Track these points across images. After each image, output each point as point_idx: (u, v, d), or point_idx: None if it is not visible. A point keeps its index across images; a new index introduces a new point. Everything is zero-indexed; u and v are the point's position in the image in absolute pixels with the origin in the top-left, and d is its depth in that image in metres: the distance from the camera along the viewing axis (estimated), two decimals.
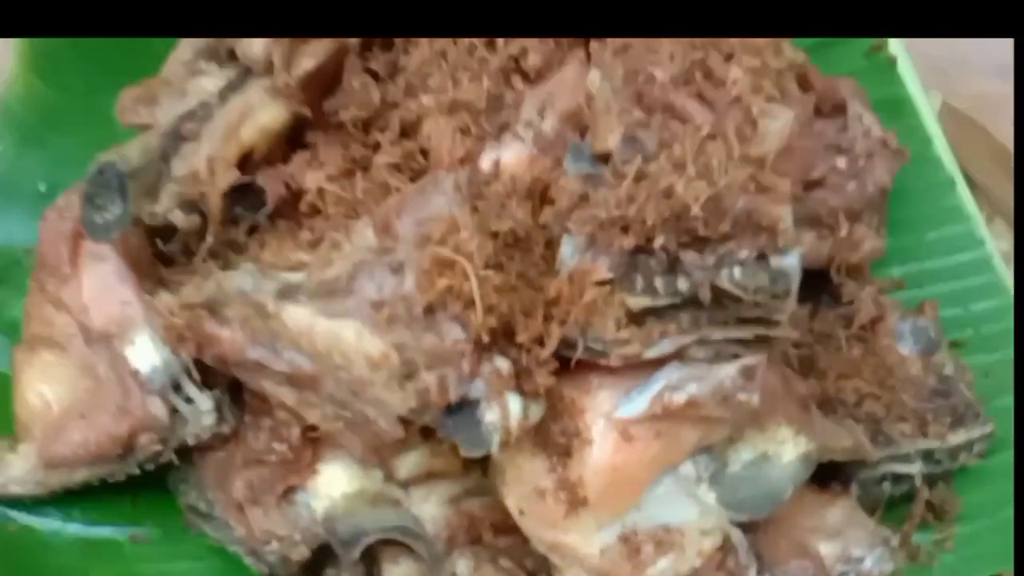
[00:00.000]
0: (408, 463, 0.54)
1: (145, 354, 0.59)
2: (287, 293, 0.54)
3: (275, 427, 0.58)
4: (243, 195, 0.62)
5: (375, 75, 0.63)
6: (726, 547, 0.53)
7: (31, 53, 0.72)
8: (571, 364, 0.53)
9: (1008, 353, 0.68)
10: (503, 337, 0.52)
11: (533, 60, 0.61)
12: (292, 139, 0.64)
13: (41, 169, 0.73)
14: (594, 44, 0.59)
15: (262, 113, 0.61)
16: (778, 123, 0.51)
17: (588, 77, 0.58)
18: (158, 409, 0.58)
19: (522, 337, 0.52)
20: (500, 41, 0.61)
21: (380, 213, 0.54)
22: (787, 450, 0.55)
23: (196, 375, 0.58)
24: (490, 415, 0.50)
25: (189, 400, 0.58)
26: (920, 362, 0.63)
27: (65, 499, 0.62)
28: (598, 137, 0.55)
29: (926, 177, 0.78)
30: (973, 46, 0.80)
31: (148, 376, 0.58)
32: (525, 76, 0.61)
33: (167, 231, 0.65)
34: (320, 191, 0.62)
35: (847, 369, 0.61)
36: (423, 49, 0.62)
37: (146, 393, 0.58)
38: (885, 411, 0.60)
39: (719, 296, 0.51)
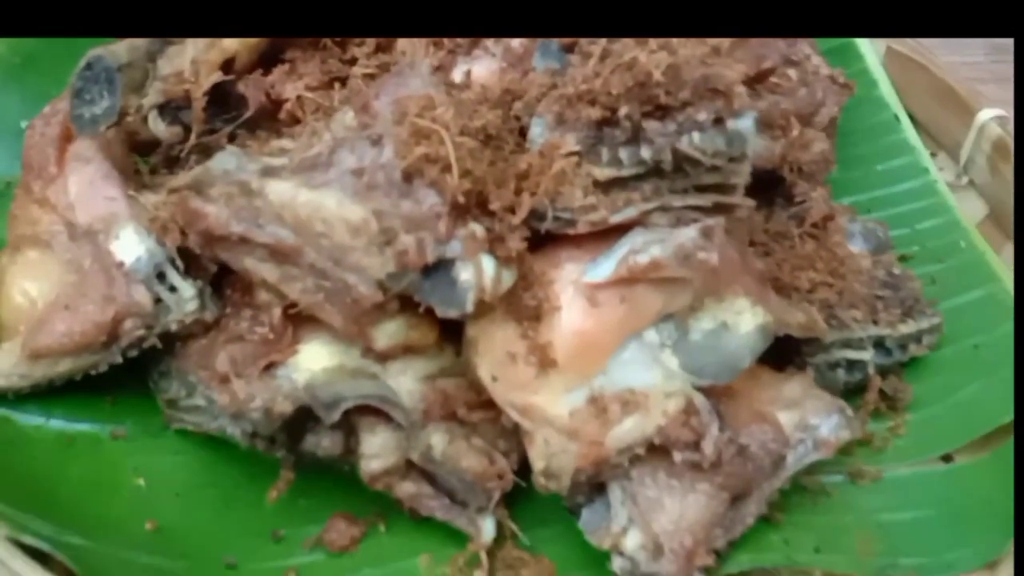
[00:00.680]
0: (386, 332, 0.56)
1: (130, 246, 0.61)
2: (270, 172, 0.56)
3: (256, 314, 0.60)
4: (225, 102, 0.65)
5: None
6: (689, 409, 0.55)
7: None
8: (542, 239, 0.57)
9: (952, 262, 0.72)
10: (477, 207, 0.54)
11: None
12: (272, 55, 0.67)
13: (22, 107, 0.75)
14: None
15: None
16: None
17: None
18: (142, 296, 0.60)
19: (495, 206, 0.54)
20: None
21: (359, 96, 0.57)
22: (745, 320, 0.58)
23: (180, 264, 0.60)
24: (465, 273, 0.53)
25: (173, 289, 0.60)
26: (870, 259, 0.67)
27: (47, 397, 0.63)
28: None
29: (873, 117, 0.83)
30: None
31: (133, 266, 0.60)
32: None
33: (149, 145, 0.68)
34: (299, 99, 0.64)
35: (801, 262, 0.65)
36: None
37: (131, 282, 0.60)
38: (837, 297, 0.64)
39: (680, 162, 0.54)
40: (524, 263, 0.56)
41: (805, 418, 0.59)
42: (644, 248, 0.55)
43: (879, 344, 0.65)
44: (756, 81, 0.62)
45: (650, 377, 0.56)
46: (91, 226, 0.62)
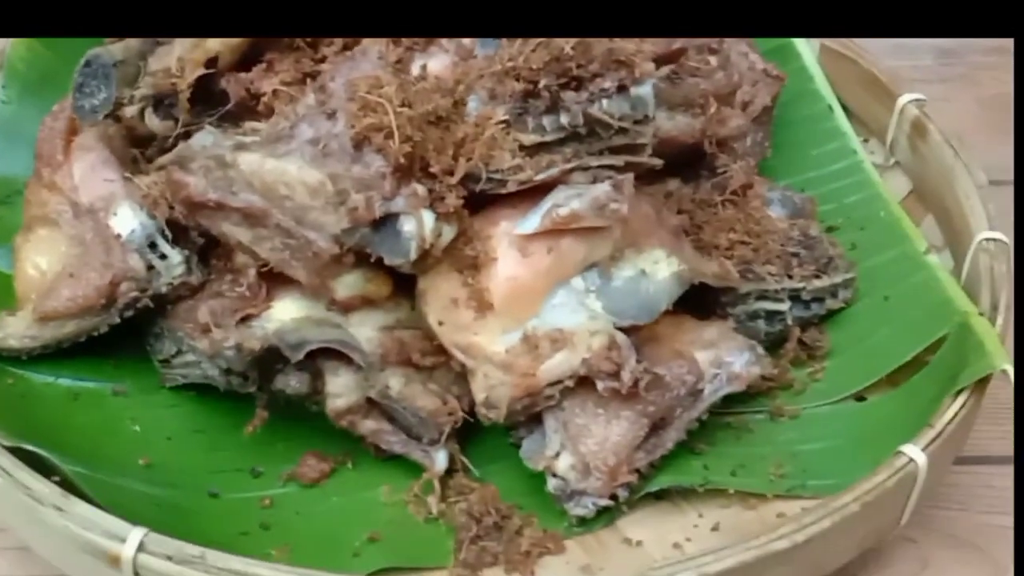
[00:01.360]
0: (345, 283, 0.64)
1: (125, 221, 0.69)
2: (242, 146, 0.65)
3: (235, 276, 0.68)
4: (209, 97, 0.74)
5: None
6: (611, 345, 0.63)
7: None
8: (481, 201, 0.65)
9: (872, 229, 0.79)
10: (420, 170, 0.63)
11: None
12: (251, 55, 0.76)
13: (38, 114, 0.82)
14: None
15: None
16: None
17: None
18: (137, 263, 0.68)
19: (435, 169, 0.62)
20: None
21: (319, 79, 0.66)
22: (661, 268, 0.65)
23: (169, 235, 0.69)
24: (408, 226, 0.61)
25: (163, 256, 0.69)
26: (787, 222, 0.74)
27: (56, 359, 0.71)
28: None
29: (809, 108, 0.91)
30: None
31: (128, 238, 0.69)
32: None
33: (146, 139, 0.77)
34: (275, 93, 0.73)
35: (722, 225, 0.72)
36: None
37: (126, 251, 0.68)
38: (754, 254, 0.71)
39: (593, 126, 0.62)
40: (463, 221, 0.64)
41: (720, 356, 0.66)
42: (565, 202, 0.62)
43: (795, 297, 0.72)
44: (667, 60, 0.70)
45: (577, 319, 0.64)
46: (92, 205, 0.70)
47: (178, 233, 0.70)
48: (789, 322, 0.72)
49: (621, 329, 0.64)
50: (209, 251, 0.71)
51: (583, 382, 0.63)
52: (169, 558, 0.53)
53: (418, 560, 0.61)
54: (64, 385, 0.71)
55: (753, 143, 0.83)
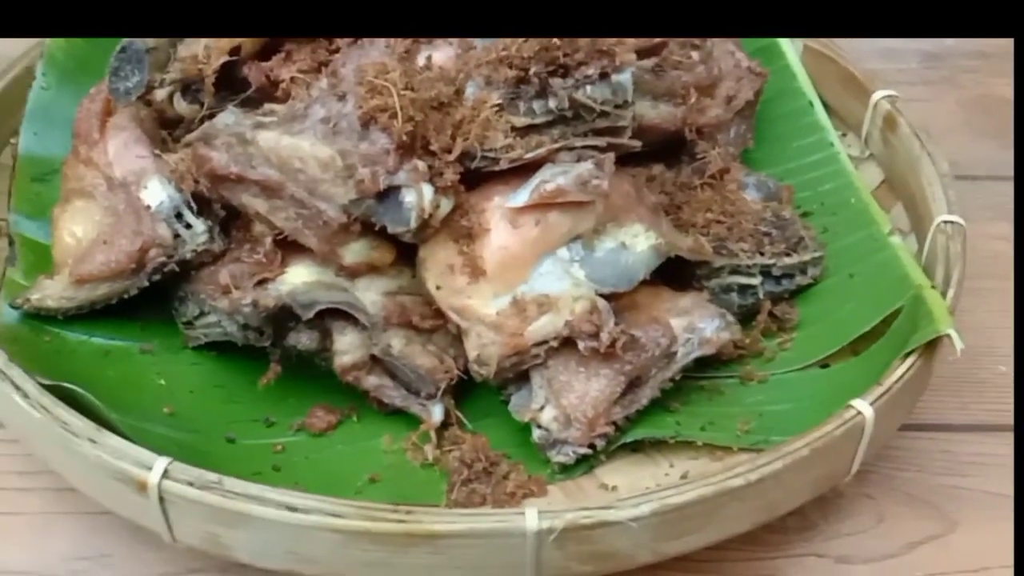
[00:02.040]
0: (352, 250, 0.71)
1: (155, 193, 0.76)
2: (261, 125, 0.72)
3: (253, 245, 0.75)
4: (232, 83, 0.81)
5: None
6: (593, 309, 0.69)
7: None
8: (474, 178, 0.71)
9: (843, 214, 0.85)
10: (421, 148, 0.69)
11: None
12: (271, 46, 0.83)
13: (75, 100, 0.89)
14: None
15: None
16: None
17: None
18: (164, 231, 0.75)
19: (434, 147, 0.69)
20: None
21: (331, 65, 0.73)
22: (640, 241, 0.72)
23: (194, 207, 0.76)
24: (409, 197, 0.68)
25: (188, 226, 0.76)
26: (761, 204, 0.80)
27: (89, 319, 0.77)
28: None
29: (791, 104, 0.97)
30: None
31: (157, 209, 0.76)
32: None
33: (175, 122, 0.84)
34: (293, 80, 0.80)
35: (700, 205, 0.79)
36: None
37: (155, 221, 0.75)
38: (728, 232, 0.77)
39: (577, 110, 0.69)
40: (460, 195, 0.70)
41: (693, 322, 0.73)
42: (552, 179, 0.69)
43: (767, 273, 0.78)
44: (651, 53, 0.76)
45: (562, 285, 0.70)
46: (125, 178, 0.77)
47: (202, 205, 0.76)
48: (761, 296, 0.78)
49: (602, 296, 0.71)
50: (230, 222, 0.77)
51: (566, 343, 0.70)
52: (190, 484, 0.59)
53: (413, 499, 0.67)
54: (96, 343, 0.78)
55: (736, 135, 0.90)
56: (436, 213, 0.69)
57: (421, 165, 0.68)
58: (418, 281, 0.73)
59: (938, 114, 1.11)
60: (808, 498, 0.66)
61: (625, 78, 0.68)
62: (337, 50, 0.82)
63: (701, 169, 0.80)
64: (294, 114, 0.71)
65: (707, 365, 0.75)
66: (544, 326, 0.69)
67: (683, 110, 0.78)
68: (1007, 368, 0.83)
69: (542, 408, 0.70)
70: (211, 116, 0.78)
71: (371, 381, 0.73)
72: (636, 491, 0.67)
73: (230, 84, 0.81)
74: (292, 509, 0.58)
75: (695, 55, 0.82)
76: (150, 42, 0.76)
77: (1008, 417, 0.80)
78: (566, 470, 0.70)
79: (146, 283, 0.76)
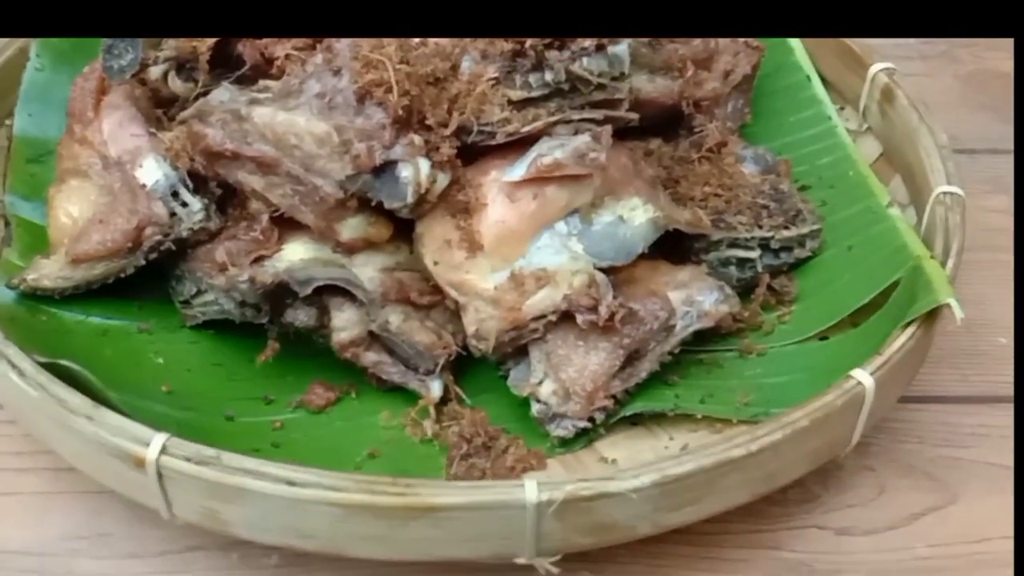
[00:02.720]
0: (349, 226, 0.71)
1: (150, 172, 0.76)
2: (256, 101, 0.71)
3: (250, 223, 0.75)
4: (227, 61, 0.81)
5: None
6: (591, 283, 0.69)
7: None
8: (470, 153, 0.71)
9: (841, 187, 0.85)
10: (417, 122, 0.69)
11: None
12: None
13: (69, 81, 0.88)
14: None
15: None
16: None
17: None
18: (160, 210, 0.75)
19: (431, 121, 0.69)
20: None
21: (326, 41, 0.72)
22: (638, 215, 0.72)
23: (190, 185, 0.76)
24: (406, 172, 0.68)
25: (184, 204, 0.75)
26: (759, 177, 0.80)
27: (86, 299, 0.77)
28: None
29: (789, 78, 0.97)
30: None
31: (153, 187, 0.75)
32: None
33: (169, 100, 0.83)
34: (287, 57, 0.79)
35: (698, 179, 0.78)
36: None
37: (151, 199, 0.75)
38: (726, 205, 0.77)
39: (574, 82, 0.68)
40: (456, 170, 0.70)
41: (691, 295, 0.72)
42: (549, 152, 0.69)
43: (765, 246, 0.78)
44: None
45: (560, 259, 0.70)
46: (120, 157, 0.77)
47: (198, 183, 0.76)
48: (759, 269, 0.78)
49: (601, 269, 0.70)
50: (226, 200, 0.77)
51: (565, 316, 0.70)
52: (188, 459, 0.59)
53: (413, 474, 0.67)
54: (93, 322, 0.77)
55: (734, 109, 0.89)
56: (433, 188, 0.69)
57: (417, 139, 0.68)
58: (415, 257, 0.73)
59: (936, 88, 1.10)
60: (808, 469, 0.66)
61: (621, 49, 0.67)
62: None
63: (699, 143, 0.80)
64: (289, 90, 0.70)
65: (706, 338, 0.75)
66: (542, 300, 0.69)
67: (680, 83, 0.78)
68: (1007, 340, 0.83)
69: (541, 382, 0.70)
70: (206, 94, 0.77)
71: (369, 357, 0.73)
72: (636, 463, 0.68)
73: (224, 62, 0.81)
74: (291, 483, 0.58)
75: None
76: None
77: (1008, 388, 0.79)
78: (565, 444, 0.70)
79: (143, 262, 0.76)
